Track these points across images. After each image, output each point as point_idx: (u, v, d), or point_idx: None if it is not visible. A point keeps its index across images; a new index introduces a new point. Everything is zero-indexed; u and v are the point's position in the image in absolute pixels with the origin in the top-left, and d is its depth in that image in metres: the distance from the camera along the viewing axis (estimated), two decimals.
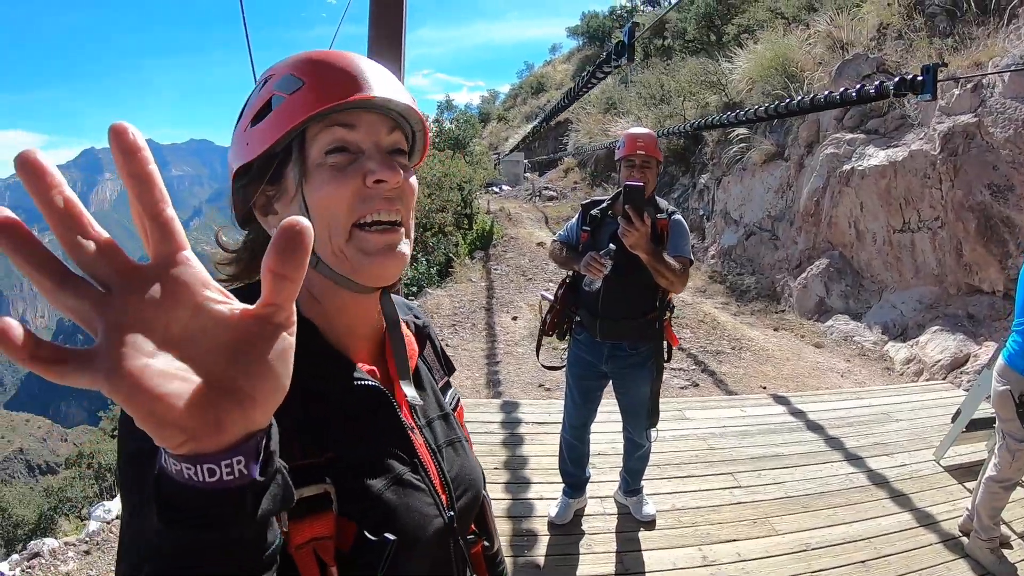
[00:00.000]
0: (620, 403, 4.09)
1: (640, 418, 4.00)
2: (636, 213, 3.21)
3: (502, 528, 4.14)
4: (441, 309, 10.65)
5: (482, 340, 9.40)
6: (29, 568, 4.72)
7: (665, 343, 3.89)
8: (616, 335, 3.81)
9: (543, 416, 5.85)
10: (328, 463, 0.93)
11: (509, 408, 6.07)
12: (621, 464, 4.39)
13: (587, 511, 4.38)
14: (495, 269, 13.16)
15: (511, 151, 31.39)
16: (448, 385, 1.31)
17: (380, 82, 0.98)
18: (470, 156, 20.67)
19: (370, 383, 1.03)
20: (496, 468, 4.90)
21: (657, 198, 3.80)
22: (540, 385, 7.70)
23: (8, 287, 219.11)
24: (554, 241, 4.03)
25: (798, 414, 6.03)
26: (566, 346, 4.16)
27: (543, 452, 5.14)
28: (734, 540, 4.09)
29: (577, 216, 3.96)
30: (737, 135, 13.74)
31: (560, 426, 4.29)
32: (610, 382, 4.06)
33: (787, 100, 6.78)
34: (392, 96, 0.98)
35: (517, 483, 4.71)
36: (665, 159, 17.15)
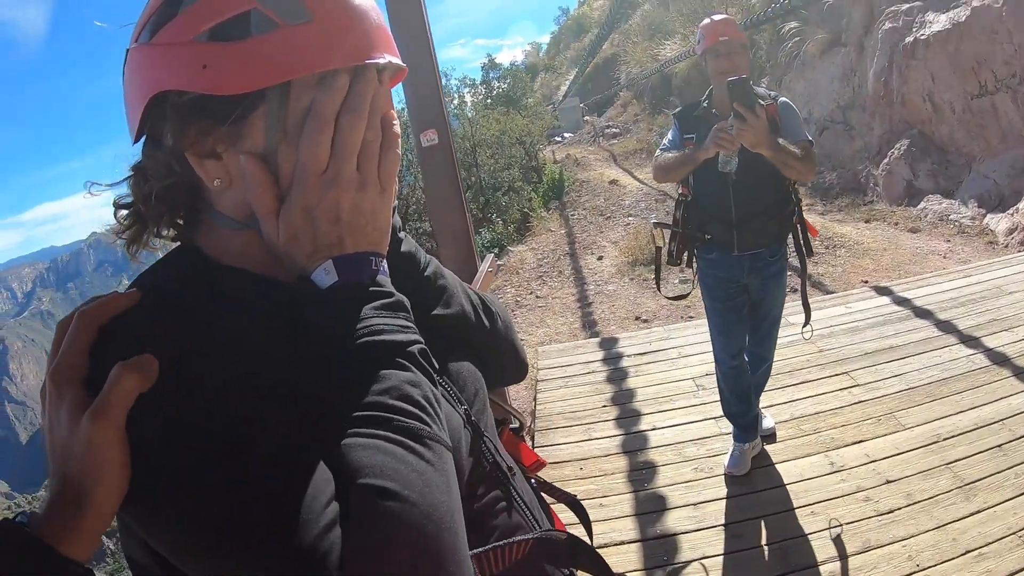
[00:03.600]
0: (756, 315, 3.75)
1: (775, 327, 3.77)
2: (747, 108, 2.92)
3: (619, 465, 4.13)
4: (526, 263, 10.69)
5: (571, 285, 9.40)
6: None
7: (804, 234, 3.57)
8: (756, 243, 3.48)
9: (644, 347, 5.80)
10: None
11: (608, 344, 6.04)
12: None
13: (699, 433, 4.31)
14: (572, 215, 13.12)
15: (565, 98, 31.11)
16: None
17: (386, 37, 0.86)
18: (526, 110, 20.51)
19: None
20: (604, 406, 4.87)
21: (755, 86, 3.29)
22: (637, 318, 7.67)
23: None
24: (657, 157, 3.65)
25: (904, 302, 5.79)
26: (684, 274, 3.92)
27: (649, 382, 5.12)
28: (860, 441, 3.93)
29: (673, 127, 3.64)
30: (790, 29, 13.26)
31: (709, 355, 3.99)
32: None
33: None
34: (395, 58, 0.86)
35: (627, 417, 4.66)
36: None
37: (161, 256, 0.92)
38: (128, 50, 0.84)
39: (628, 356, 5.66)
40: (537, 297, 9.06)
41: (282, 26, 0.76)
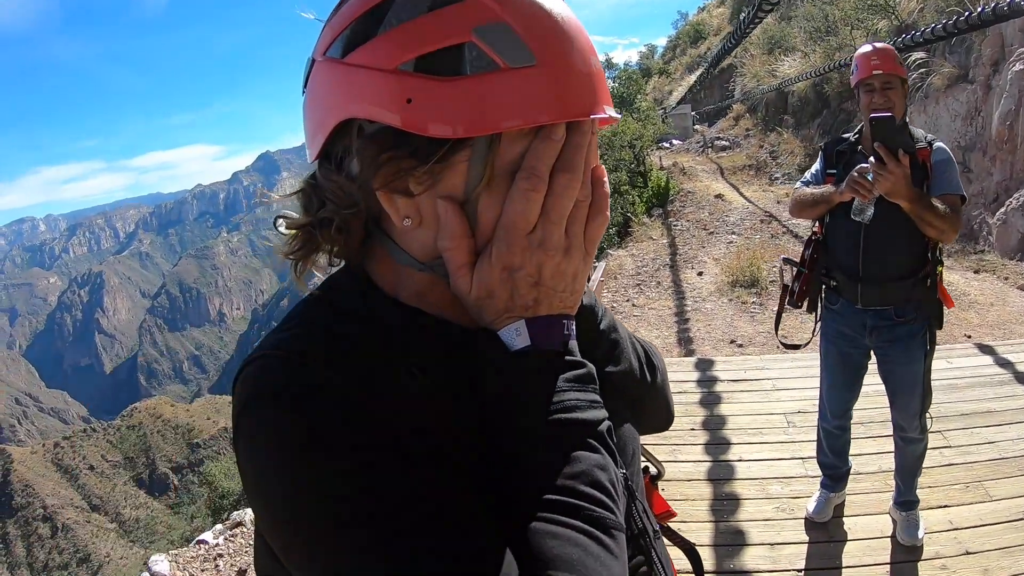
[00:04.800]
0: (887, 386, 3.45)
1: (914, 403, 3.35)
2: (888, 151, 2.70)
3: (702, 491, 4.16)
4: (624, 269, 10.68)
5: (669, 298, 9.38)
6: (232, 536, 5.16)
7: (937, 306, 3.23)
8: (881, 300, 3.23)
9: (738, 374, 5.80)
10: None
11: (703, 366, 6.04)
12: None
13: (785, 471, 4.28)
14: (675, 225, 13.06)
15: (677, 104, 30.72)
16: None
17: (604, 86, 0.80)
18: (637, 113, 20.38)
19: None
20: (693, 429, 4.90)
21: (911, 126, 3.13)
22: (732, 342, 7.65)
23: (204, 285, 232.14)
24: (796, 189, 3.47)
25: (1007, 365, 5.61)
26: (813, 319, 3.65)
27: (741, 411, 5.12)
28: (945, 506, 3.79)
29: (819, 159, 3.42)
30: (915, 60, 12.89)
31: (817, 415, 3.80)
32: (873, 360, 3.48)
33: (967, 13, 6.27)
34: (612, 111, 0.80)
35: (716, 444, 4.69)
36: (838, 95, 16.32)
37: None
38: (314, 60, 0.81)
39: (722, 381, 5.66)
40: (633, 305, 9.08)
41: (503, 68, 0.70)
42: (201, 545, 5.14)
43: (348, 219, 0.79)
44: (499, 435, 0.77)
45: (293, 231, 0.85)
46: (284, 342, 0.78)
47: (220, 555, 4.89)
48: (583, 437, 0.76)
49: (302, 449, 0.68)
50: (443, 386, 0.80)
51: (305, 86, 0.83)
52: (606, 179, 0.82)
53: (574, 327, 0.82)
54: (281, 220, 0.86)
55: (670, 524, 1.25)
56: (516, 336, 0.77)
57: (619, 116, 0.82)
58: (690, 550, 1.21)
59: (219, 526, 5.62)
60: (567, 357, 0.79)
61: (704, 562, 3.64)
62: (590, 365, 0.81)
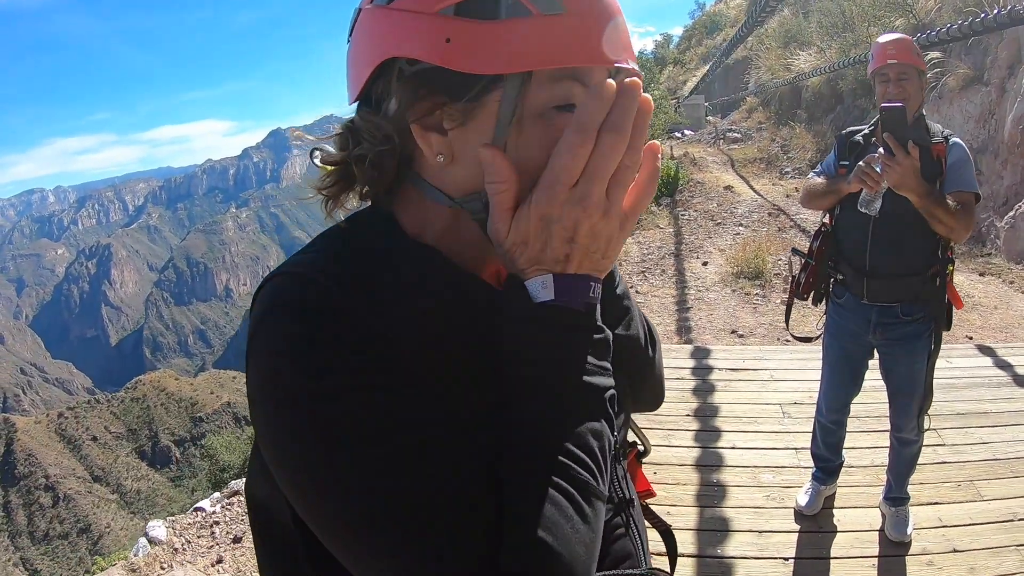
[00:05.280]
0: (887, 384, 3.44)
1: (912, 404, 3.32)
2: (897, 143, 2.63)
3: (692, 477, 4.18)
4: (629, 256, 10.68)
5: (672, 286, 9.41)
6: (228, 504, 5.20)
7: (946, 305, 3.16)
8: (888, 296, 3.17)
9: (736, 363, 5.82)
10: None
11: (701, 355, 6.06)
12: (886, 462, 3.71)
13: (777, 461, 4.31)
14: (682, 215, 13.03)
15: (690, 94, 30.65)
16: None
17: (629, 41, 0.84)
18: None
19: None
20: (687, 415, 4.92)
21: (928, 120, 3.07)
22: (733, 332, 7.65)
23: (212, 260, 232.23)
24: (807, 179, 3.43)
25: (1006, 367, 5.62)
26: (821, 312, 3.64)
27: (736, 400, 5.14)
28: (935, 503, 3.83)
29: (833, 150, 3.38)
30: (931, 60, 12.82)
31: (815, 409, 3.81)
32: (875, 357, 3.46)
33: (983, 15, 6.23)
34: (635, 64, 0.84)
35: (710, 431, 4.70)
36: (853, 91, 16.22)
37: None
38: (360, 9, 0.86)
39: (719, 370, 5.68)
40: (637, 292, 9.07)
41: (535, 14, 0.75)
42: (198, 512, 5.18)
43: (382, 155, 0.84)
44: (504, 381, 0.79)
45: (328, 167, 0.90)
46: (304, 263, 0.83)
47: (216, 522, 4.93)
48: (587, 400, 0.79)
49: (315, 362, 0.73)
50: (450, 325, 0.83)
51: (351, 34, 0.88)
52: (660, 155, 0.84)
53: (600, 291, 0.82)
54: (317, 153, 0.90)
55: (650, 505, 1.26)
56: (542, 288, 0.79)
57: (642, 73, 0.84)
58: (666, 531, 1.22)
59: (216, 494, 5.66)
60: (588, 319, 0.81)
61: (691, 546, 3.62)
62: (608, 332, 0.83)
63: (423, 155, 0.84)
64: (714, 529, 3.70)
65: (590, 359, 0.79)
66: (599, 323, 0.82)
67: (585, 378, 0.78)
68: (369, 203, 0.95)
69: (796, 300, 3.60)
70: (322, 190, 0.91)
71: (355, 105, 0.90)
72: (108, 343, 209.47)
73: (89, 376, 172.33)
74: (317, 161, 0.90)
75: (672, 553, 1.20)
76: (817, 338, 3.76)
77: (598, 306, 0.82)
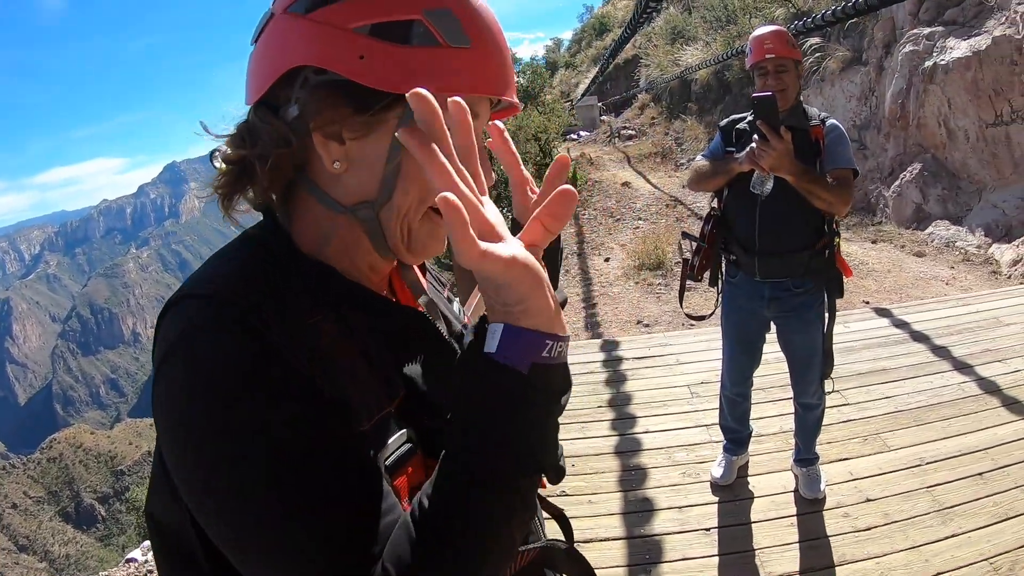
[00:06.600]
0: (786, 354, 3.58)
1: (811, 370, 3.49)
2: (770, 128, 2.80)
3: (610, 464, 4.21)
4: None
5: (577, 284, 9.50)
6: None
7: (836, 275, 3.34)
8: (779, 272, 3.30)
9: (643, 351, 5.87)
10: (403, 402, 0.91)
11: (609, 347, 6.10)
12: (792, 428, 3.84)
13: (690, 439, 4.39)
14: (582, 214, 13.15)
15: (583, 96, 30.93)
16: (451, 298, 1.25)
17: (513, 76, 0.92)
18: (543, 107, 20.46)
19: (420, 313, 1.03)
20: (600, 407, 4.95)
21: (805, 106, 3.24)
22: (638, 322, 7.78)
23: (116, 304, 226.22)
24: (694, 162, 3.49)
25: (903, 325, 5.86)
26: (714, 292, 3.73)
27: (645, 386, 5.20)
28: (845, 459, 4.01)
29: (716, 137, 3.46)
30: (811, 45, 13.27)
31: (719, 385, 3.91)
32: (772, 330, 3.59)
33: None
34: (514, 99, 0.93)
35: (622, 419, 4.74)
36: (739, 80, 16.67)
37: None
38: (273, 13, 0.88)
39: (627, 360, 5.73)
40: None
41: (443, 45, 0.82)
42: (131, 563, 4.98)
43: (280, 157, 0.86)
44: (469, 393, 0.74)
45: (226, 166, 0.90)
46: (212, 284, 0.84)
47: (151, 571, 4.74)
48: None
49: (229, 391, 0.74)
50: (353, 344, 0.87)
51: (257, 38, 0.90)
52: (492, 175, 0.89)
53: (562, 351, 0.75)
54: (217, 153, 0.91)
55: (541, 494, 1.26)
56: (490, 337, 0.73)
57: (521, 105, 0.97)
58: (560, 516, 1.24)
59: (147, 543, 5.43)
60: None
61: (616, 530, 3.62)
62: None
63: (318, 161, 0.87)
64: (636, 511, 3.73)
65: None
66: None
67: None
68: (262, 216, 0.95)
69: (693, 283, 3.71)
70: (218, 189, 0.91)
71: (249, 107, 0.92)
72: (17, 403, 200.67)
73: (1, 440, 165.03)
74: (217, 163, 0.91)
75: (569, 536, 1.20)
76: (711, 315, 3.91)
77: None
